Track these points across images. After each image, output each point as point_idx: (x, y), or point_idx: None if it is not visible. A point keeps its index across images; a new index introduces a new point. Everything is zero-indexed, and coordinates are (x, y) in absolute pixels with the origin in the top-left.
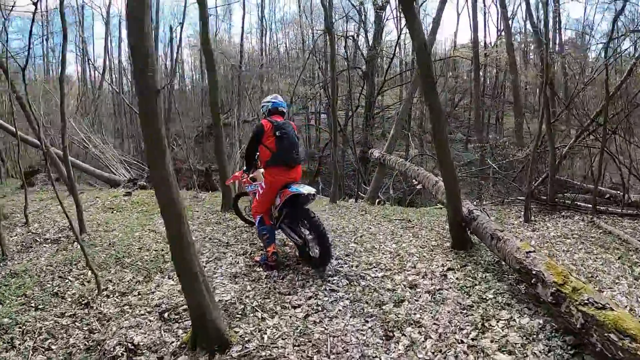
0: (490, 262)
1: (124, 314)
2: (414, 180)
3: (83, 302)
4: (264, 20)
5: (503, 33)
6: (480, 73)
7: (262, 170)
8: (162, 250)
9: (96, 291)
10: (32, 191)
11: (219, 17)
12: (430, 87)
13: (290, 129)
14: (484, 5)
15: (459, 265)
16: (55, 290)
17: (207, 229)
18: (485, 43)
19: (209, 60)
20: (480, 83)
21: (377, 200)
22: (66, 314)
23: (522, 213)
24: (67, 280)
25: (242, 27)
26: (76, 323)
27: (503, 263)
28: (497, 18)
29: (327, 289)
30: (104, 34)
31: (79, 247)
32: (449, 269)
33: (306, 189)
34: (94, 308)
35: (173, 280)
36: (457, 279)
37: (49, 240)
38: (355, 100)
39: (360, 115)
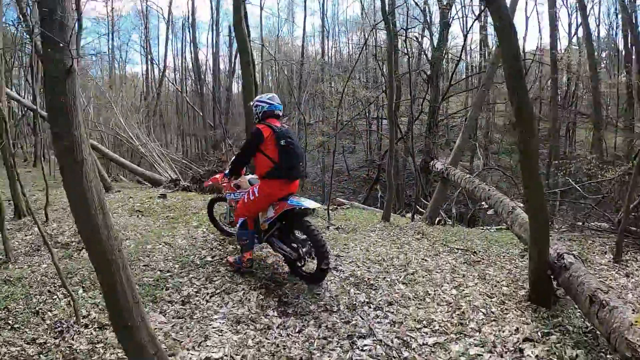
0: (582, 329)
1: (92, 356)
2: (483, 203)
3: (58, 329)
4: (325, 22)
5: (576, 37)
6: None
7: (249, 177)
8: (168, 272)
9: (74, 317)
10: None
11: (281, 18)
12: (518, 81)
13: (295, 138)
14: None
15: (539, 334)
16: (38, 308)
17: (228, 248)
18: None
19: (241, 42)
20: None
21: (438, 218)
22: (37, 341)
23: (611, 249)
24: (55, 297)
25: (304, 29)
26: (41, 356)
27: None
28: (569, 22)
29: (356, 359)
30: (169, 35)
31: (86, 254)
32: (526, 339)
33: (309, 203)
34: (66, 339)
35: (164, 316)
36: (537, 357)
37: (59, 244)
38: (418, 105)
39: (424, 122)
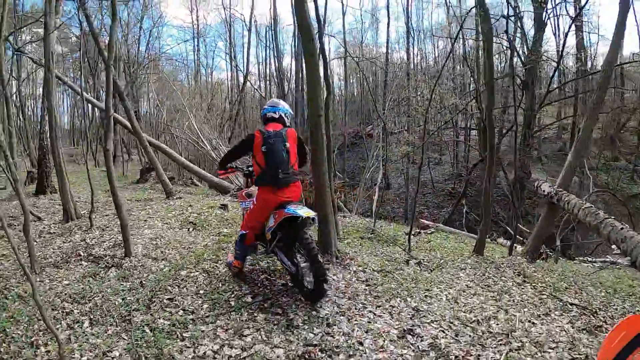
0: None
1: None
2: (613, 246)
3: None
4: (410, 27)
5: None
6: None
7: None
8: (193, 312)
9: None
10: (139, 188)
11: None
12: None
13: (278, 142)
14: None
15: None
16: (34, 339)
17: (277, 283)
18: None
19: (304, 29)
20: None
21: (540, 252)
22: None
23: None
24: (58, 326)
25: (387, 34)
26: None
27: None
28: None
29: None
30: (252, 42)
31: (113, 273)
32: None
33: (304, 211)
34: None
35: None
36: None
37: (91, 257)
38: (509, 114)
39: (518, 133)
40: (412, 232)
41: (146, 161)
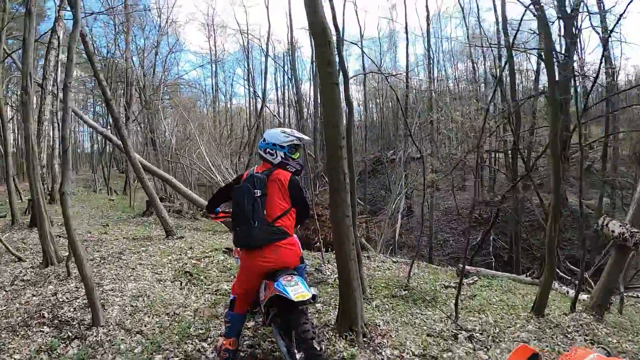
0: None
1: None
2: None
3: None
4: (430, 50)
5: None
6: None
7: None
8: None
9: None
10: (141, 222)
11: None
12: None
13: (246, 191)
14: None
15: None
16: None
17: None
18: None
19: (319, 38)
20: None
21: (609, 303)
22: None
23: None
24: None
25: (407, 58)
26: None
27: None
28: None
29: None
30: (272, 69)
31: (73, 350)
32: None
33: (296, 292)
34: None
35: None
36: None
37: (56, 322)
38: (538, 136)
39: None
40: (453, 283)
41: (160, 188)
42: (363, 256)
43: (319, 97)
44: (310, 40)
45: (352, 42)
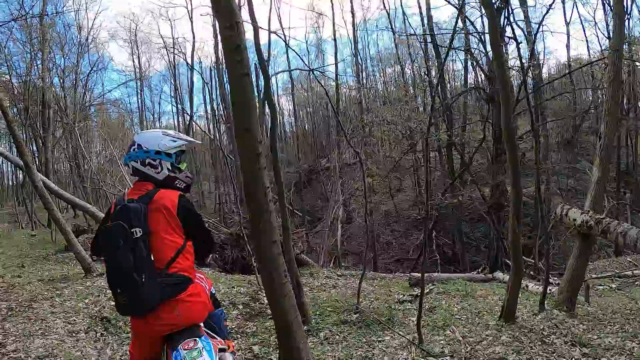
0: None
1: None
2: None
3: None
4: (358, 56)
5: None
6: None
7: None
8: None
9: None
10: (62, 259)
11: (311, 57)
12: None
13: (122, 236)
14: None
15: None
16: None
17: None
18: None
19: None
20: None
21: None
22: None
23: None
24: None
25: (336, 65)
26: None
27: None
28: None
29: None
30: (200, 85)
31: None
32: None
33: None
34: None
35: None
36: None
37: None
38: (471, 131)
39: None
40: (408, 297)
41: (86, 220)
42: (304, 273)
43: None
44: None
45: (273, 32)
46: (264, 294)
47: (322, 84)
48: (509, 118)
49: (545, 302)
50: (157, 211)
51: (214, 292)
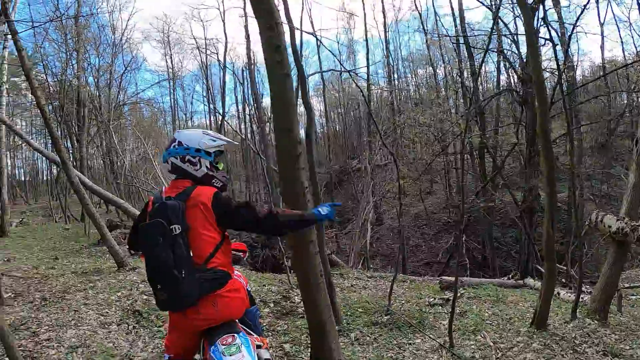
0: None
1: None
2: None
3: None
4: (389, 57)
5: None
6: None
7: None
8: None
9: None
10: (94, 253)
11: (342, 57)
12: None
13: (155, 230)
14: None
15: None
16: None
17: None
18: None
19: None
20: None
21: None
22: None
23: None
24: None
25: (367, 67)
26: None
27: None
28: None
29: None
30: (232, 85)
31: None
32: None
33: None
34: None
35: None
36: None
37: None
38: (504, 135)
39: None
40: (439, 300)
41: (118, 215)
42: (335, 274)
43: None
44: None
45: (308, 32)
46: (295, 293)
47: (357, 84)
48: (544, 120)
49: (578, 310)
50: (194, 207)
51: (249, 289)
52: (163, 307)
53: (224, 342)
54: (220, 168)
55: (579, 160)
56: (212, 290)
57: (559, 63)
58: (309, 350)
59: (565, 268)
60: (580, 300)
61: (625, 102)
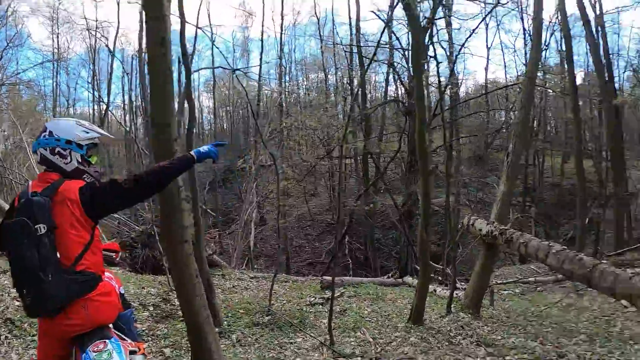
0: None
1: None
2: (623, 301)
3: None
4: (283, 59)
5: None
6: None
7: None
8: None
9: None
10: None
11: (236, 55)
12: None
13: (25, 233)
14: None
15: None
16: None
17: None
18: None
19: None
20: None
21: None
22: None
23: None
24: None
25: (260, 66)
26: None
27: None
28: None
29: None
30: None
31: None
32: None
33: None
34: None
35: None
36: None
37: None
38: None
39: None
40: (319, 299)
41: None
42: (216, 275)
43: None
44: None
45: (198, 27)
46: (175, 295)
47: (243, 85)
48: (422, 131)
49: (452, 305)
50: (61, 204)
51: (123, 292)
52: (29, 312)
53: (95, 349)
54: (93, 162)
55: (457, 169)
56: (82, 293)
57: (441, 80)
58: (190, 354)
59: (441, 267)
60: (455, 296)
61: (503, 119)
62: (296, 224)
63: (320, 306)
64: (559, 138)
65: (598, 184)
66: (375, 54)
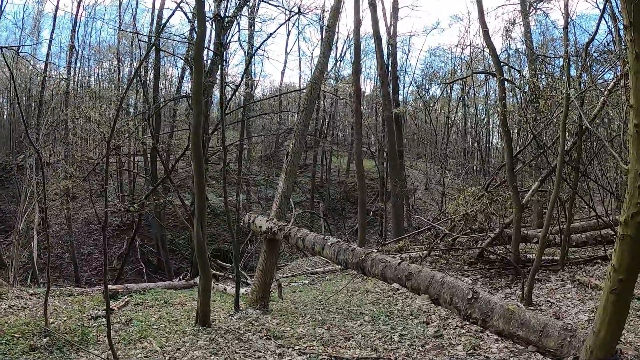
0: None
1: None
2: (394, 284)
3: None
4: (75, 43)
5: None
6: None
7: None
8: None
9: None
10: None
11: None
12: None
13: None
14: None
15: None
16: None
17: None
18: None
19: None
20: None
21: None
22: None
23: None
24: None
25: (49, 48)
26: None
27: None
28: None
29: None
30: None
31: None
32: None
33: None
34: None
35: None
36: None
37: None
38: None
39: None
40: (102, 312)
41: None
42: None
43: None
44: None
45: None
46: None
47: (10, 66)
48: (197, 130)
49: (241, 302)
50: None
51: None
52: None
53: None
54: None
55: (248, 168)
56: None
57: (225, 79)
58: None
59: (230, 265)
60: (245, 293)
61: (295, 120)
62: (83, 228)
63: (104, 319)
64: (346, 140)
65: (380, 181)
66: (155, 42)
